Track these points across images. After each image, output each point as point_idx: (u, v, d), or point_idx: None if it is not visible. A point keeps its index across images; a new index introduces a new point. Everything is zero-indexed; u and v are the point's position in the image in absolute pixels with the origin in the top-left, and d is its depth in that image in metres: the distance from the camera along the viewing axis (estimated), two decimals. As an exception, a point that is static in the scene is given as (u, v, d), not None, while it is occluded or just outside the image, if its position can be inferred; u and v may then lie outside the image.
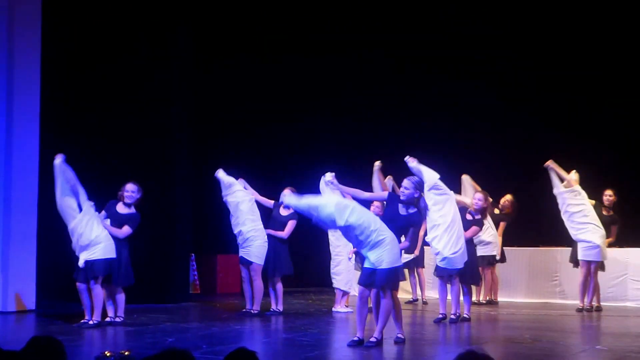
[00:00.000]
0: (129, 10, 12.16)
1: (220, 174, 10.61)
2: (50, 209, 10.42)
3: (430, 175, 9.14)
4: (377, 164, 9.75)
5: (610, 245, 11.56)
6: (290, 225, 10.63)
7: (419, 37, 14.25)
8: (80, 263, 9.09)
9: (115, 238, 9.25)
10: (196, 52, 13.00)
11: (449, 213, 9.46)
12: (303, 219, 13.05)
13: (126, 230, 9.37)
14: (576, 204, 11.03)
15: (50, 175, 9.92)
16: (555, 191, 11.07)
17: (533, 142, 13.86)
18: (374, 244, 7.56)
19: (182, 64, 12.57)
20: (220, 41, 14.63)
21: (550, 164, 11.03)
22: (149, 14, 12.23)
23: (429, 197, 9.06)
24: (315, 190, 8.43)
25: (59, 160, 9.18)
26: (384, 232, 7.60)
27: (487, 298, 12.04)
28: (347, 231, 7.67)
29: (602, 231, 11.04)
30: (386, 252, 7.56)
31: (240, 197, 10.57)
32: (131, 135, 12.06)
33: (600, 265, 11.15)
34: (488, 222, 11.44)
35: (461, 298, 9.89)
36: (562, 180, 11.05)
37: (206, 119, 14.23)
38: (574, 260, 11.28)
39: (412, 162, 9.07)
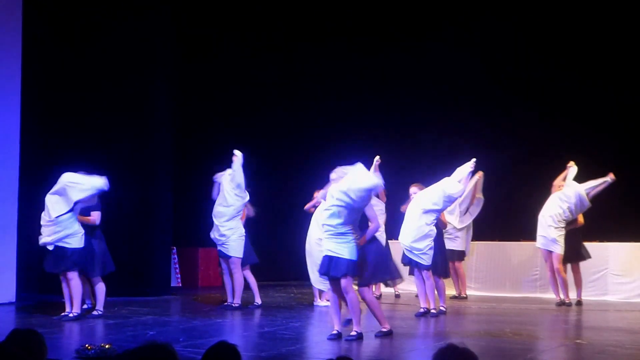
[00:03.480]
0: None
1: (237, 164, 10.57)
2: (30, 201, 10.38)
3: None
4: (377, 158, 9.92)
5: (590, 239, 11.66)
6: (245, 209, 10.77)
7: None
8: (50, 246, 9.13)
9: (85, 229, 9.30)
10: (178, 41, 12.95)
11: (412, 207, 9.78)
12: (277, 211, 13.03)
13: (96, 216, 9.46)
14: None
15: (30, 169, 9.91)
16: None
17: (515, 136, 13.89)
18: (342, 233, 7.59)
19: (163, 54, 12.52)
20: (202, 25, 14.51)
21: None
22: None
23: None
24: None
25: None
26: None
27: (462, 293, 12.12)
28: (349, 206, 7.57)
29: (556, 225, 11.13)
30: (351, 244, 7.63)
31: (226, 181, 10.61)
32: (111, 128, 12.01)
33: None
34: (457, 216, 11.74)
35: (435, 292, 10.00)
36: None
37: (187, 110, 14.18)
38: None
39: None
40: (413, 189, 10.23)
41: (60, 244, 9.17)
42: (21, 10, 11.11)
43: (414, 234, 9.69)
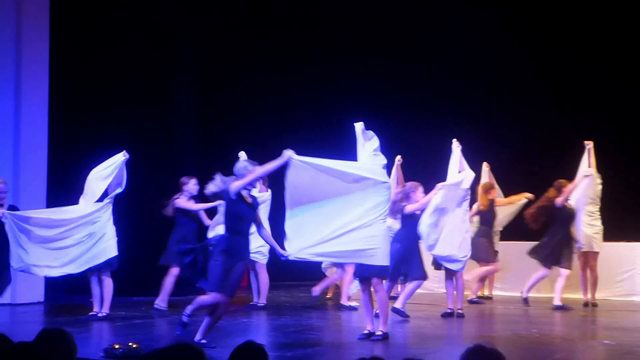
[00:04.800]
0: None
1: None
2: (58, 201, 10.46)
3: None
4: (398, 158, 9.91)
5: (617, 239, 11.56)
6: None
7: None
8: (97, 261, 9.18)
9: None
10: (201, 37, 12.97)
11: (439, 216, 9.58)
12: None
13: None
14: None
15: (58, 169, 9.98)
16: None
17: (544, 134, 13.72)
18: None
19: (186, 49, 12.62)
20: (226, 19, 14.40)
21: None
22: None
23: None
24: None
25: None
26: None
27: (489, 293, 12.07)
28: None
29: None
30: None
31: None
32: (135, 127, 12.05)
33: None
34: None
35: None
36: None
37: (211, 109, 14.18)
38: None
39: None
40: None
41: (94, 263, 9.18)
42: (48, 14, 11.26)
43: (457, 244, 9.54)
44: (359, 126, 7.79)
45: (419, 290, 12.38)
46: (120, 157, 9.28)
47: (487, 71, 14.10)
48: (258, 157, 11.05)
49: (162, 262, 10.07)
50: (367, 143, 7.70)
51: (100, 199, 9.27)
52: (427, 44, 14.22)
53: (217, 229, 9.89)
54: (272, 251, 10.64)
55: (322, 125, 14.43)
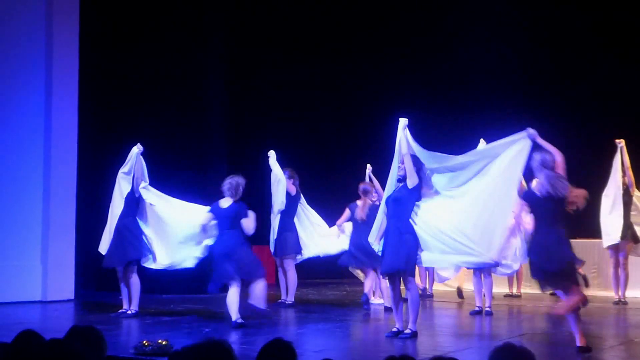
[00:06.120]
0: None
1: (271, 161, 10.58)
2: (87, 201, 10.55)
3: None
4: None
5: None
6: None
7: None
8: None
9: None
10: (231, 39, 13.01)
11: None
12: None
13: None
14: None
15: (88, 168, 10.03)
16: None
17: (587, 130, 13.60)
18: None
19: (217, 53, 12.68)
20: (256, 24, 14.44)
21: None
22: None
23: None
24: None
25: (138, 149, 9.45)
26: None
27: (517, 291, 11.99)
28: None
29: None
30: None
31: (280, 194, 10.61)
32: (166, 129, 12.13)
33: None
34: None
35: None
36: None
37: (242, 110, 14.24)
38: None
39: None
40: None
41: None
42: (78, 12, 11.35)
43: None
44: (403, 121, 7.71)
45: (447, 288, 12.43)
46: (135, 149, 9.36)
47: (518, 69, 14.03)
48: (287, 155, 11.19)
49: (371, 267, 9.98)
50: (408, 140, 7.68)
51: (132, 196, 9.34)
52: (457, 41, 14.18)
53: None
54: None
55: (353, 122, 14.43)
